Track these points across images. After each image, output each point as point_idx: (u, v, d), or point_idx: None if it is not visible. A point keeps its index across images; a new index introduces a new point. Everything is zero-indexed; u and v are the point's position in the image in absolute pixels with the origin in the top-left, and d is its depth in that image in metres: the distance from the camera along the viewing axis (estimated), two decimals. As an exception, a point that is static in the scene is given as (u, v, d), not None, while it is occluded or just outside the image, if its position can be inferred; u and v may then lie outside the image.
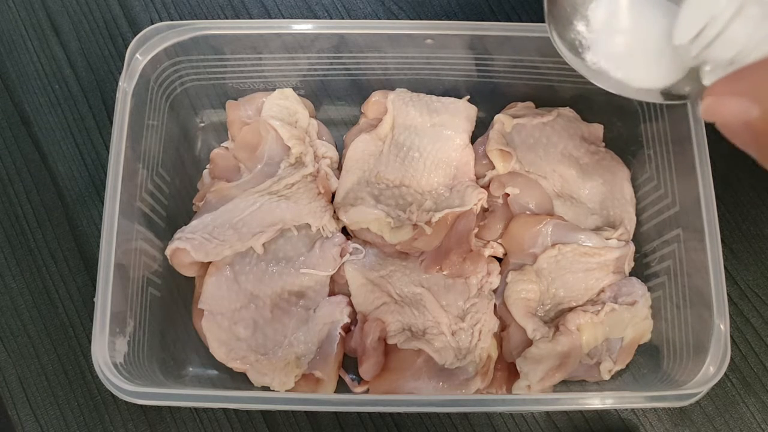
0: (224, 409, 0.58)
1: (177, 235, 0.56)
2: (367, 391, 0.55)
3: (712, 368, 0.48)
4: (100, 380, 0.47)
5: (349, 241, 0.59)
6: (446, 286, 0.57)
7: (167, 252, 0.56)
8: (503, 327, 0.57)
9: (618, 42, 0.38)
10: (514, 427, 0.58)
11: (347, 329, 0.57)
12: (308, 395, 0.53)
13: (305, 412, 0.58)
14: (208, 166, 0.62)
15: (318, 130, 0.61)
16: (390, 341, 0.54)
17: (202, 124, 0.65)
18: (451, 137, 0.61)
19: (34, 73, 0.67)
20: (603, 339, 0.55)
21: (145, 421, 0.58)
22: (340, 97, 0.64)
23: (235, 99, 0.62)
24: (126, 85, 0.52)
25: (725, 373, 0.48)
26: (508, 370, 0.56)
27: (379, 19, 0.70)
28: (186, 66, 0.58)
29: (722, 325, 0.48)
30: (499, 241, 0.59)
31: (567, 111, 0.62)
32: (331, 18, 0.69)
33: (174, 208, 0.60)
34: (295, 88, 0.61)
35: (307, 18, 0.69)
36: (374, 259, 0.58)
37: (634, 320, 0.55)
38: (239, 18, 0.69)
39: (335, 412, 0.58)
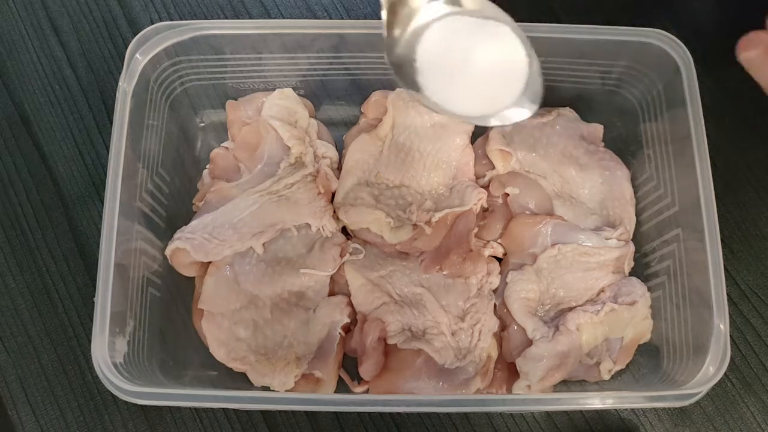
0: (224, 409, 0.58)
1: (177, 235, 0.56)
2: (367, 391, 0.55)
3: (712, 368, 0.48)
4: (100, 380, 0.47)
5: (349, 241, 0.59)
6: (446, 286, 0.57)
7: (167, 252, 0.56)
8: (503, 327, 0.57)
9: (442, 78, 0.39)
10: (514, 427, 0.58)
11: (347, 329, 0.57)
12: (308, 395, 0.53)
13: (305, 412, 0.58)
14: (208, 166, 0.62)
15: (318, 130, 0.61)
16: (390, 341, 0.54)
17: (202, 124, 0.65)
18: (451, 137, 0.61)
19: (34, 73, 0.67)
20: (603, 339, 0.55)
21: (145, 421, 0.58)
22: (340, 97, 0.64)
23: (235, 99, 0.62)
24: (126, 85, 0.52)
25: (725, 373, 0.48)
26: (508, 370, 0.56)
27: (379, 18, 0.69)
28: (186, 66, 0.58)
29: (722, 325, 0.48)
30: (499, 241, 0.59)
31: (567, 111, 0.62)
32: (331, 18, 0.69)
33: (174, 208, 0.60)
34: (295, 88, 0.61)
35: (307, 18, 0.69)
36: (374, 259, 0.58)
37: (634, 320, 0.55)
38: (239, 18, 0.69)
39: (335, 412, 0.58)
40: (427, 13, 0.39)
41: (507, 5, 0.69)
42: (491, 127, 0.60)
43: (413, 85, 0.39)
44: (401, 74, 0.40)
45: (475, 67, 0.39)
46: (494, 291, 0.58)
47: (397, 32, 0.40)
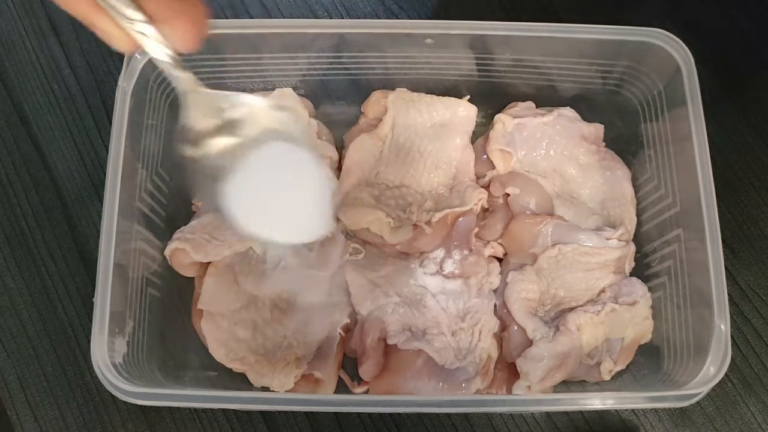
0: (224, 410, 0.58)
1: (176, 235, 0.56)
2: (367, 392, 0.55)
3: (712, 368, 0.48)
4: (100, 381, 0.47)
5: (349, 241, 0.59)
6: (446, 286, 0.57)
7: (167, 252, 0.56)
8: (503, 327, 0.57)
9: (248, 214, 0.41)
10: (514, 427, 0.58)
11: (347, 329, 0.56)
12: (308, 395, 0.53)
13: (305, 412, 0.58)
14: (207, 166, 0.62)
15: (318, 130, 0.61)
16: (390, 341, 0.54)
17: (202, 124, 0.65)
18: (451, 137, 0.61)
19: (33, 73, 0.67)
20: (603, 339, 0.55)
21: (145, 422, 0.58)
22: (340, 97, 0.64)
23: (235, 99, 0.62)
24: (125, 85, 0.52)
25: (726, 374, 0.48)
26: (508, 370, 0.56)
27: (379, 18, 0.70)
28: (186, 65, 0.57)
29: (723, 326, 0.48)
30: (499, 241, 0.59)
31: (567, 111, 0.62)
32: (331, 18, 0.69)
33: (173, 208, 0.60)
34: (295, 88, 0.61)
35: (307, 18, 0.69)
36: (374, 259, 0.58)
37: (634, 320, 0.55)
38: (239, 18, 0.69)
39: (335, 413, 0.58)
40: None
41: (509, 4, 0.70)
42: (491, 127, 0.60)
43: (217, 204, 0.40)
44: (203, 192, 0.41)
45: (279, 199, 0.41)
46: (494, 291, 0.58)
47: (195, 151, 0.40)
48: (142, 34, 0.34)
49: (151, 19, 0.33)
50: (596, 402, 0.47)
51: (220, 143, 0.40)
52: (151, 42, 0.34)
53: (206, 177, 0.40)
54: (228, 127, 0.40)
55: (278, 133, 0.41)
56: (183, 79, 0.39)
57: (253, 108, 0.41)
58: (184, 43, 0.36)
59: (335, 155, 0.61)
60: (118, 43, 0.34)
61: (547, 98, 0.63)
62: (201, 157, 0.40)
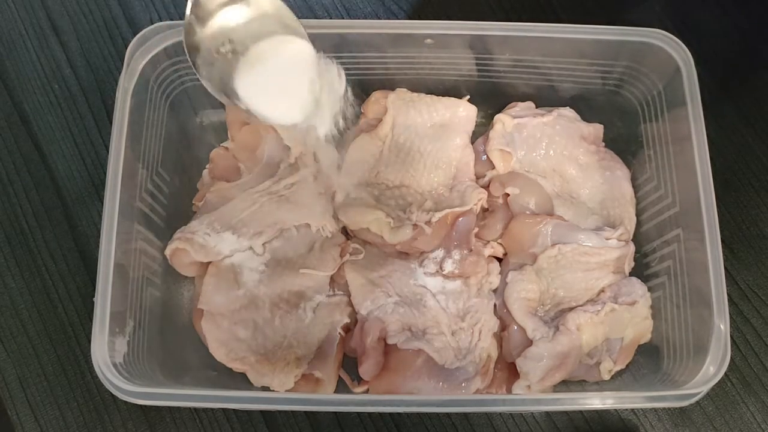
0: (224, 409, 0.58)
1: (177, 235, 0.56)
2: (367, 391, 0.55)
3: (712, 368, 0.48)
4: (100, 380, 0.47)
5: (349, 241, 0.59)
6: (446, 286, 0.57)
7: (167, 252, 0.56)
8: (503, 327, 0.57)
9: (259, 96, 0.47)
10: (514, 427, 0.58)
11: (347, 329, 0.56)
12: (308, 395, 0.53)
13: (305, 412, 0.58)
14: (207, 166, 0.62)
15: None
16: (390, 341, 0.54)
17: (202, 124, 0.65)
18: (451, 137, 0.61)
19: (33, 73, 0.67)
20: (603, 339, 0.55)
21: (145, 421, 0.58)
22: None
23: (235, 99, 0.62)
24: (126, 85, 0.52)
25: (725, 373, 0.48)
26: (508, 370, 0.56)
27: (379, 18, 0.70)
28: (186, 66, 0.58)
29: (722, 325, 0.48)
30: (499, 241, 0.59)
31: (567, 111, 0.62)
32: (331, 18, 0.69)
33: (174, 208, 0.60)
34: (295, 88, 0.61)
35: (307, 18, 0.69)
36: (374, 259, 0.58)
37: (634, 320, 0.55)
38: (239, 18, 0.69)
39: (335, 412, 0.58)
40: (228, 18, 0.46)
41: (509, 4, 0.70)
42: (491, 127, 0.60)
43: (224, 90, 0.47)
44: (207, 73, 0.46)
45: (279, 82, 0.47)
46: (494, 291, 0.58)
47: (198, 29, 0.45)
48: None
49: None
50: (596, 402, 0.47)
51: (225, 20, 0.45)
52: None
53: (211, 56, 0.45)
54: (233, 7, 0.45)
55: (275, 18, 0.46)
56: None
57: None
58: None
59: (335, 155, 0.61)
60: None
61: (546, 98, 0.63)
62: (207, 36, 0.45)
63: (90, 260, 0.62)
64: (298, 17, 0.60)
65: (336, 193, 0.59)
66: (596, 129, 0.62)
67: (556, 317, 0.56)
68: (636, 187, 0.61)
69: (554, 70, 0.60)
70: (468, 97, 0.62)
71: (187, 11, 0.44)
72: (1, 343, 0.59)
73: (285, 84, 0.47)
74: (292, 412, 0.58)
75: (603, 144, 0.63)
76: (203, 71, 0.47)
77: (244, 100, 0.47)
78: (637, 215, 0.60)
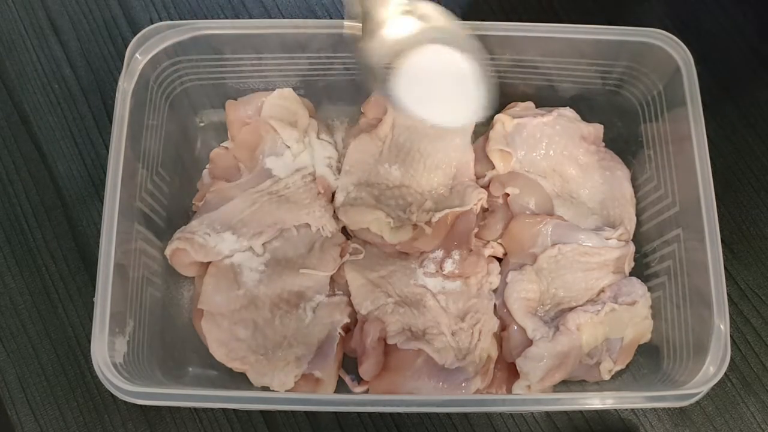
0: (224, 409, 0.58)
1: (177, 235, 0.56)
2: (367, 391, 0.55)
3: (712, 368, 0.48)
4: (100, 380, 0.47)
5: (349, 241, 0.59)
6: (446, 286, 0.57)
7: (167, 252, 0.56)
8: (503, 327, 0.57)
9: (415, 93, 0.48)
10: (514, 427, 0.58)
11: (347, 329, 0.56)
12: (308, 395, 0.53)
13: (305, 412, 0.58)
14: (208, 166, 0.62)
15: (318, 130, 0.61)
16: (390, 341, 0.54)
17: (202, 124, 0.65)
18: (451, 137, 0.61)
19: (33, 73, 0.67)
20: (603, 339, 0.55)
21: (145, 421, 0.58)
22: (340, 97, 0.64)
23: (235, 99, 0.62)
24: (126, 85, 0.52)
25: (725, 373, 0.48)
26: (508, 370, 0.56)
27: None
28: (186, 66, 0.58)
29: (722, 325, 0.48)
30: (499, 241, 0.59)
31: (567, 111, 0.62)
32: (331, 18, 0.69)
33: (174, 208, 0.60)
34: (295, 88, 0.61)
35: (307, 18, 0.69)
36: (374, 259, 0.58)
37: (634, 320, 0.55)
38: (239, 18, 0.69)
39: (335, 412, 0.58)
40: (398, 28, 0.47)
41: (509, 5, 0.70)
42: (491, 127, 0.60)
43: (385, 88, 0.47)
44: (373, 76, 0.48)
45: (439, 88, 0.48)
46: (494, 291, 0.58)
47: (368, 40, 0.47)
48: None
49: None
50: (596, 402, 0.47)
51: (394, 35, 0.47)
52: None
53: (380, 65, 0.47)
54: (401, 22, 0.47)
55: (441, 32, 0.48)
56: None
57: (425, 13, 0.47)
58: None
59: (335, 155, 0.61)
60: None
61: (546, 98, 0.63)
62: (376, 46, 0.46)
63: (90, 260, 0.62)
64: (298, 17, 0.60)
65: (336, 193, 0.59)
66: (596, 129, 0.62)
67: (556, 317, 0.56)
68: (636, 187, 0.61)
69: (554, 70, 0.59)
70: (468, 97, 0.62)
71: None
72: (1, 343, 0.59)
73: (443, 92, 0.49)
74: (292, 412, 0.58)
75: (603, 144, 0.63)
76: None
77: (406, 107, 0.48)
78: (637, 215, 0.60)
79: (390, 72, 0.47)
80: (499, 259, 0.59)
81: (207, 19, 0.68)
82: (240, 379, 0.54)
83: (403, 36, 0.47)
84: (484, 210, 0.60)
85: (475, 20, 0.55)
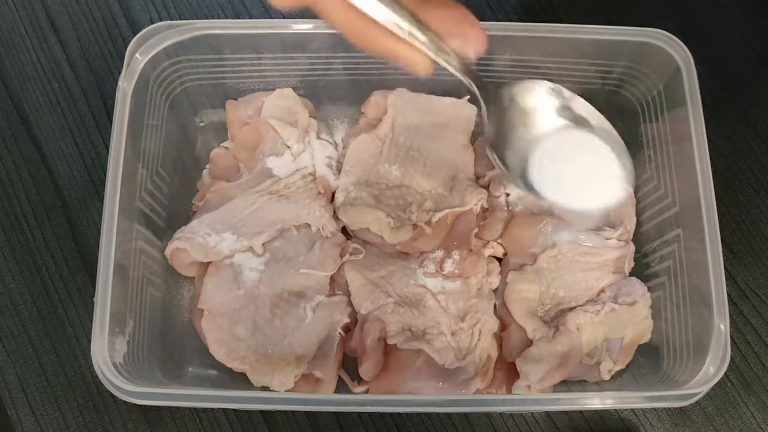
0: (224, 409, 0.58)
1: (177, 235, 0.56)
2: (367, 391, 0.55)
3: (712, 368, 0.48)
4: (100, 380, 0.47)
5: (349, 241, 0.59)
6: (446, 286, 0.57)
7: (167, 252, 0.56)
8: (503, 327, 0.57)
9: (552, 179, 0.46)
10: (514, 427, 0.58)
11: (347, 329, 0.56)
12: (308, 395, 0.53)
13: (305, 412, 0.58)
14: (207, 166, 0.62)
15: (318, 130, 0.61)
16: (390, 341, 0.54)
17: (202, 124, 0.65)
18: (451, 137, 0.61)
19: (33, 73, 0.67)
20: (603, 339, 0.55)
21: (145, 421, 0.58)
22: (340, 97, 0.64)
23: (235, 99, 0.62)
24: (126, 85, 0.52)
25: (725, 373, 0.48)
26: (508, 370, 0.56)
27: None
28: (186, 66, 0.58)
29: (722, 325, 0.48)
30: (499, 241, 0.59)
31: (567, 111, 0.62)
32: (331, 18, 0.69)
33: (174, 208, 0.60)
34: (295, 88, 0.61)
35: (307, 18, 0.69)
36: (374, 259, 0.58)
37: (634, 320, 0.55)
38: (239, 18, 0.69)
39: (335, 412, 0.58)
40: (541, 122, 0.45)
41: (509, 5, 0.70)
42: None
43: (521, 179, 0.45)
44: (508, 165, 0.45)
45: (578, 172, 0.46)
46: (494, 291, 0.58)
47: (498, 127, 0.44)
48: (441, 52, 0.36)
49: (440, 37, 0.36)
50: (596, 402, 0.47)
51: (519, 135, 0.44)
52: (449, 57, 0.37)
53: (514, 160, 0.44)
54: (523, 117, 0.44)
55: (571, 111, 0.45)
56: (473, 82, 0.41)
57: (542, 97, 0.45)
58: (474, 46, 0.38)
59: (335, 155, 0.61)
60: (420, 67, 0.36)
61: (546, 98, 0.63)
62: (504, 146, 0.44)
63: (90, 260, 0.62)
64: (298, 17, 0.60)
65: (336, 193, 0.59)
66: (596, 129, 0.62)
67: (556, 317, 0.56)
68: (636, 188, 0.61)
69: (554, 70, 0.59)
70: (468, 97, 0.62)
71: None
72: (1, 343, 0.59)
73: (587, 174, 0.46)
74: (292, 412, 0.58)
75: (603, 144, 0.62)
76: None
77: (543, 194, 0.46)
78: (637, 215, 0.60)
79: (521, 159, 0.44)
80: (499, 259, 0.59)
81: (207, 19, 0.68)
82: (240, 379, 0.54)
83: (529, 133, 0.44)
84: (484, 210, 0.60)
85: (475, 20, 0.55)
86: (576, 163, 0.45)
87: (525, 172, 0.45)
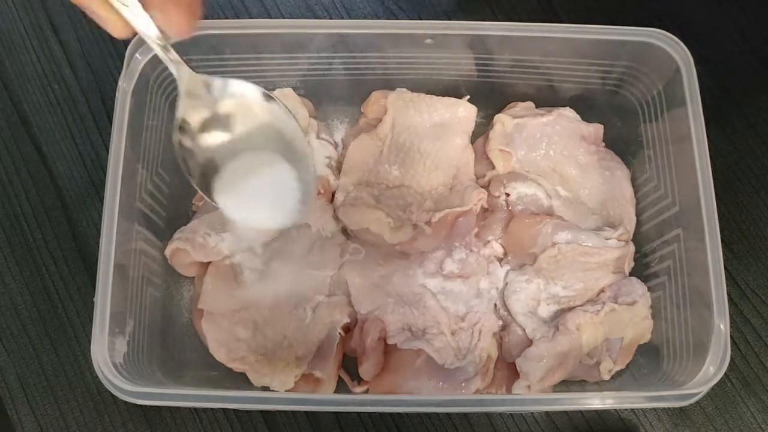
0: (224, 409, 0.58)
1: (177, 235, 0.56)
2: (367, 391, 0.55)
3: (712, 368, 0.48)
4: (100, 380, 0.47)
5: (349, 241, 0.59)
6: (446, 286, 0.57)
7: (167, 252, 0.56)
8: (503, 327, 0.57)
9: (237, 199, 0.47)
10: (514, 427, 0.58)
11: (347, 329, 0.56)
12: (308, 395, 0.53)
13: (305, 412, 0.58)
14: (207, 166, 0.62)
15: (318, 130, 0.61)
16: (390, 341, 0.54)
17: (202, 124, 0.65)
18: (451, 137, 0.61)
19: (33, 73, 0.67)
20: (603, 339, 0.55)
21: (145, 421, 0.58)
22: (340, 97, 0.64)
23: (235, 99, 0.62)
24: (125, 85, 0.52)
25: (725, 373, 0.48)
26: (508, 370, 0.56)
27: (379, 19, 0.70)
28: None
29: (722, 325, 0.48)
30: (499, 241, 0.59)
31: (567, 111, 0.62)
32: (331, 18, 0.69)
33: (174, 208, 0.60)
34: (295, 88, 0.61)
35: (307, 18, 0.69)
36: (374, 259, 0.58)
37: (633, 320, 0.55)
38: (239, 18, 0.69)
39: (335, 412, 0.58)
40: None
41: (509, 5, 0.70)
42: (491, 127, 0.60)
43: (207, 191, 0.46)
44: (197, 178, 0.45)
45: (260, 193, 0.47)
46: (494, 291, 0.58)
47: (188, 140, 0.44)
48: (138, 19, 0.36)
49: (145, 5, 0.36)
50: (596, 402, 0.47)
51: (214, 136, 0.44)
52: (145, 27, 0.37)
53: (198, 167, 0.44)
54: (221, 119, 0.44)
55: (270, 127, 0.45)
56: (175, 66, 0.41)
57: (245, 98, 0.44)
58: (177, 29, 0.38)
59: (335, 155, 0.61)
60: (113, 28, 0.36)
61: (546, 98, 0.63)
62: (195, 149, 0.44)
63: (90, 260, 0.62)
64: (298, 17, 0.60)
65: (336, 193, 0.59)
66: (596, 129, 0.62)
67: (556, 317, 0.56)
68: (636, 187, 0.61)
69: (554, 70, 0.60)
70: (468, 97, 0.62)
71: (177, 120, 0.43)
72: (1, 343, 0.59)
73: (265, 197, 0.47)
74: (292, 412, 0.58)
75: (603, 144, 0.63)
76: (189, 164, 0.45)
77: (223, 209, 0.47)
78: (637, 215, 0.60)
79: (214, 174, 0.45)
80: (499, 259, 0.59)
81: (207, 19, 0.68)
82: (240, 379, 0.54)
83: (227, 137, 0.44)
84: (484, 210, 0.60)
85: (475, 20, 0.55)
86: (257, 184, 0.46)
87: (209, 176, 0.45)
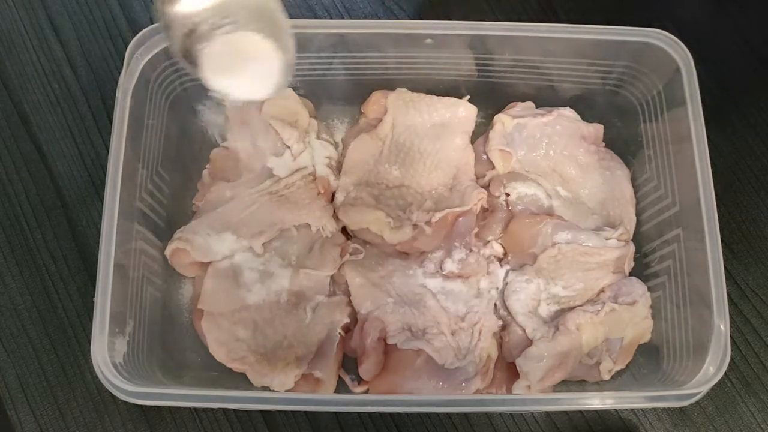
0: (224, 409, 0.58)
1: (177, 235, 0.56)
2: (367, 391, 0.55)
3: (712, 368, 0.48)
4: (100, 380, 0.47)
5: (349, 241, 0.59)
6: (446, 286, 0.57)
7: (167, 252, 0.56)
8: (503, 327, 0.57)
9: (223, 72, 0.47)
10: (513, 427, 0.58)
11: (347, 329, 0.56)
12: (308, 395, 0.53)
13: (305, 412, 0.58)
14: (207, 166, 0.62)
15: (318, 130, 0.61)
16: (390, 341, 0.54)
17: (202, 124, 0.65)
18: (451, 137, 0.61)
19: (33, 73, 0.67)
20: (603, 339, 0.55)
21: (145, 421, 0.58)
22: (340, 97, 0.64)
23: (235, 99, 0.62)
24: (126, 85, 0.52)
25: (725, 373, 0.48)
26: (508, 370, 0.56)
27: (379, 18, 0.70)
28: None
29: (722, 325, 0.48)
30: (499, 241, 0.59)
31: (567, 111, 0.62)
32: (331, 18, 0.69)
33: (174, 208, 0.60)
34: (295, 88, 0.61)
35: (307, 18, 0.69)
36: (374, 259, 0.58)
37: (633, 320, 0.55)
38: (239, 18, 0.69)
39: (335, 412, 0.58)
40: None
41: (509, 5, 0.70)
42: (491, 127, 0.60)
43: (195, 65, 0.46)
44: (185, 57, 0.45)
45: (240, 61, 0.46)
46: (494, 291, 0.58)
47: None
48: None
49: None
50: (596, 402, 0.48)
51: (194, 2, 0.44)
52: None
53: (180, 33, 0.44)
54: None
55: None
56: None
57: None
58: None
59: (335, 155, 0.61)
60: None
61: (546, 98, 0.63)
62: (176, 12, 0.43)
63: (90, 260, 0.62)
64: (298, 17, 0.60)
65: (336, 193, 0.59)
66: (596, 129, 0.62)
67: (556, 317, 0.56)
68: (636, 187, 0.61)
69: (554, 70, 0.60)
70: (468, 97, 0.62)
71: None
72: (1, 343, 0.59)
73: (245, 66, 0.47)
74: (292, 412, 0.58)
75: (603, 144, 0.63)
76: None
77: (204, 79, 0.47)
78: (637, 215, 0.60)
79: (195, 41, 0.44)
80: (499, 259, 0.59)
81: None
82: (240, 379, 0.54)
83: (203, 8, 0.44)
84: (484, 210, 0.60)
85: (475, 20, 0.55)
86: (237, 53, 0.45)
87: (190, 47, 0.45)
